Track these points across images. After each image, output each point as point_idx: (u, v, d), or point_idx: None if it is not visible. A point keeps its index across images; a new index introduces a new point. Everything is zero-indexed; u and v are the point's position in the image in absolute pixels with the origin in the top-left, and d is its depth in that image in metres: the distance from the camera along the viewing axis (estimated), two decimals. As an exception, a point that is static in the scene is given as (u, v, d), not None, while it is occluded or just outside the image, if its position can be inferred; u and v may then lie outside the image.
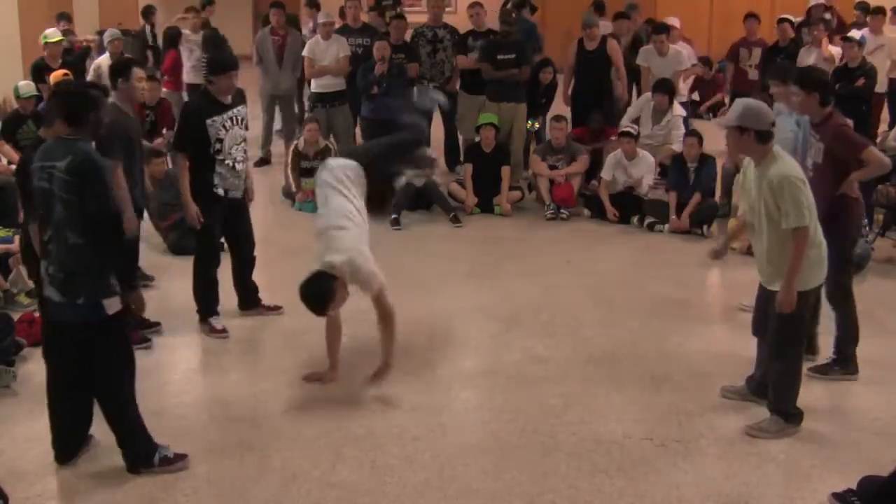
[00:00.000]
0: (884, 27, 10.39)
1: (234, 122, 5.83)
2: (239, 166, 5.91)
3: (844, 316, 5.30)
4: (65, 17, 11.84)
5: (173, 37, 11.16)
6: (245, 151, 6.00)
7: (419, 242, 7.95)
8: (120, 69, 5.71)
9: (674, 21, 10.65)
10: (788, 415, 4.69)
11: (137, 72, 5.68)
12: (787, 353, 4.65)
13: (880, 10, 10.45)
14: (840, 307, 5.29)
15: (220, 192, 5.85)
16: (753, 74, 10.53)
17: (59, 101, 4.58)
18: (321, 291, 4.84)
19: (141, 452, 4.26)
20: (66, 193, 3.97)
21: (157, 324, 5.97)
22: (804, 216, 4.43)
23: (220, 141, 5.74)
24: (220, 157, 5.77)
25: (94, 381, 4.19)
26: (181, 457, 4.34)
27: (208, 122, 5.69)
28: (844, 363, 5.35)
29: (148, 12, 12.99)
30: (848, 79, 9.09)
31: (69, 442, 4.34)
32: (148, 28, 12.83)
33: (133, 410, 4.26)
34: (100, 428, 4.38)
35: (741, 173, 4.95)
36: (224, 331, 5.95)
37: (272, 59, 10.34)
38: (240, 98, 6.01)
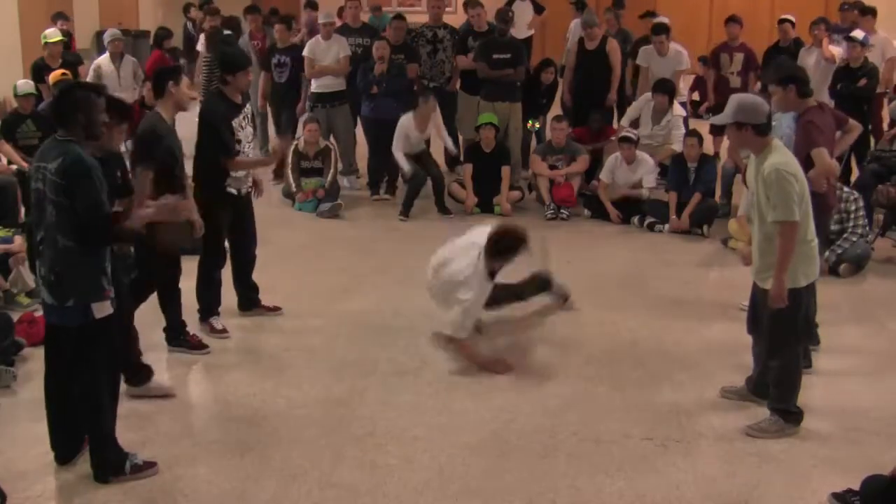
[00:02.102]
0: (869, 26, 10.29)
1: (246, 120, 5.87)
2: None
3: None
4: (61, 17, 11.78)
5: (161, 37, 11.18)
6: (253, 150, 6.04)
7: (419, 242, 7.93)
8: (171, 72, 5.45)
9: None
10: (788, 414, 4.69)
11: (186, 79, 5.46)
12: (783, 352, 4.65)
13: (870, 11, 10.38)
14: None
15: (233, 191, 5.86)
16: (735, 82, 10.27)
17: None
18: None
19: (112, 461, 4.21)
20: (55, 196, 3.94)
21: None
22: (792, 211, 4.42)
23: (239, 142, 5.75)
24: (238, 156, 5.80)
25: (75, 382, 4.14)
26: (151, 464, 4.29)
27: (234, 123, 5.72)
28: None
29: (187, 9, 13.04)
30: (850, 79, 9.07)
31: (69, 442, 4.33)
32: (190, 24, 12.82)
33: (109, 418, 4.22)
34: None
35: (746, 167, 4.95)
36: (224, 331, 5.95)
37: (253, 61, 10.35)
38: (245, 97, 6.04)
